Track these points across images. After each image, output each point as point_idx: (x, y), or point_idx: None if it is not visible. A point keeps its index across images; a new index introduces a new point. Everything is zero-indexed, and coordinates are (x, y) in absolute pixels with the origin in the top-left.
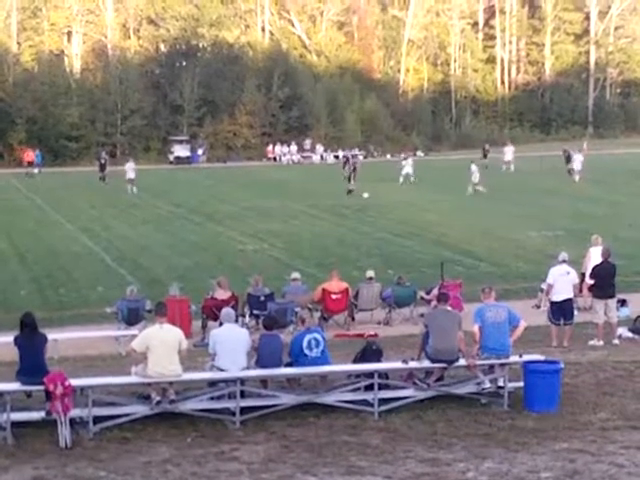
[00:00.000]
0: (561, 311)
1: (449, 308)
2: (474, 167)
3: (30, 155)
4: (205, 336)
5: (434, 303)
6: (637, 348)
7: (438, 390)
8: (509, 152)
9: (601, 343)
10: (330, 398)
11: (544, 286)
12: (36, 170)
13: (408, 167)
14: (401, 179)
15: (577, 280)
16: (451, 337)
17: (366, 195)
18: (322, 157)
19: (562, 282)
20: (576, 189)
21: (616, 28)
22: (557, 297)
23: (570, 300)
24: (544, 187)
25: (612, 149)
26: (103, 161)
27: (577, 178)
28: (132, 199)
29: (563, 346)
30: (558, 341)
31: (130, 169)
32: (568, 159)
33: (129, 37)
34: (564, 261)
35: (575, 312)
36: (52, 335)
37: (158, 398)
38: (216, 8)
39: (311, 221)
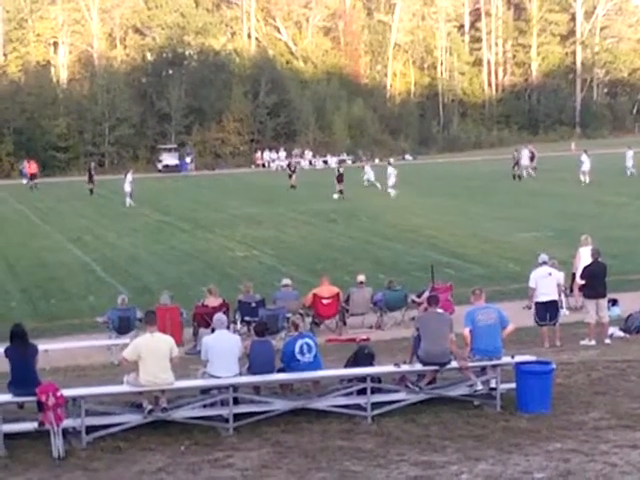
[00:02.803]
0: (546, 311)
1: (440, 311)
2: (391, 169)
3: (33, 167)
4: (197, 344)
5: (424, 306)
6: (629, 347)
7: (430, 393)
8: (525, 156)
9: (593, 343)
10: (323, 403)
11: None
12: (24, 181)
13: (370, 173)
14: (378, 185)
15: (561, 280)
16: (442, 340)
17: (336, 196)
18: (311, 162)
19: (545, 284)
20: (564, 190)
21: (602, 28)
22: (542, 298)
23: (555, 301)
24: (532, 188)
25: (600, 149)
26: (93, 172)
27: (588, 180)
28: (122, 209)
29: (555, 346)
30: (549, 341)
31: (128, 182)
32: (517, 162)
33: (115, 46)
34: (544, 263)
35: (566, 312)
36: (43, 346)
37: (150, 406)
38: (202, 16)
39: (301, 227)
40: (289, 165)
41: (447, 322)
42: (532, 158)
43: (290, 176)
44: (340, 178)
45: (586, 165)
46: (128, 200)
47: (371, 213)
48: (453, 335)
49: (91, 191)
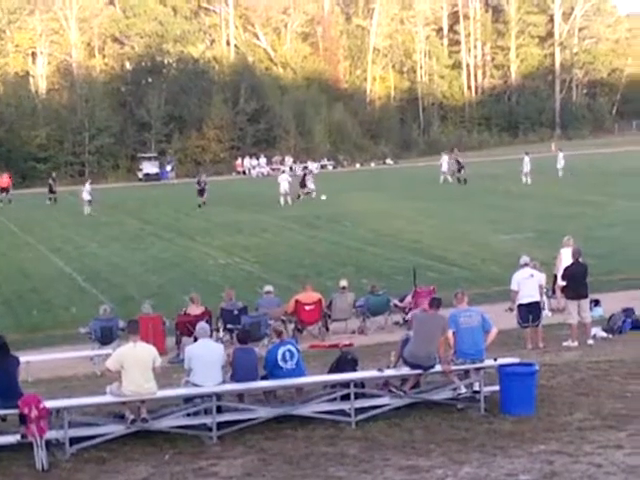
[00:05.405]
0: (528, 313)
1: (434, 312)
2: (285, 176)
3: (5, 181)
4: (180, 352)
5: (423, 307)
6: (611, 348)
7: (414, 397)
8: (445, 162)
9: (576, 344)
10: (307, 409)
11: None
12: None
13: (284, 183)
14: (281, 199)
15: (543, 281)
16: (432, 343)
17: (324, 197)
18: (291, 169)
19: (527, 286)
20: (546, 191)
21: (580, 29)
22: (524, 300)
23: (537, 303)
24: (513, 190)
25: (580, 150)
26: (55, 182)
27: (529, 181)
28: (103, 218)
29: (538, 347)
30: (532, 343)
31: (86, 191)
32: (460, 168)
33: (94, 56)
34: (526, 265)
35: (549, 314)
36: (25, 357)
37: (132, 417)
38: (180, 24)
39: (282, 233)
40: (198, 183)
41: (440, 325)
42: (460, 169)
43: (201, 193)
44: (303, 183)
45: (527, 167)
46: (86, 208)
47: (352, 218)
48: (443, 337)
49: (50, 199)
